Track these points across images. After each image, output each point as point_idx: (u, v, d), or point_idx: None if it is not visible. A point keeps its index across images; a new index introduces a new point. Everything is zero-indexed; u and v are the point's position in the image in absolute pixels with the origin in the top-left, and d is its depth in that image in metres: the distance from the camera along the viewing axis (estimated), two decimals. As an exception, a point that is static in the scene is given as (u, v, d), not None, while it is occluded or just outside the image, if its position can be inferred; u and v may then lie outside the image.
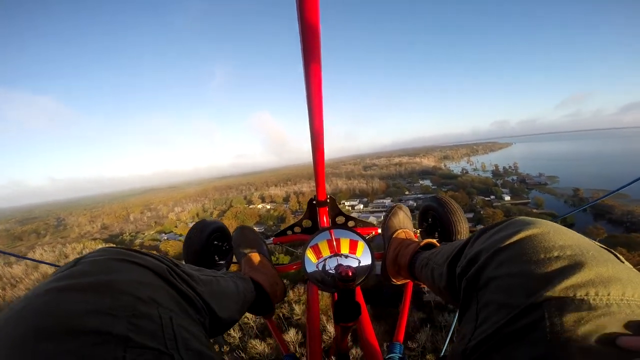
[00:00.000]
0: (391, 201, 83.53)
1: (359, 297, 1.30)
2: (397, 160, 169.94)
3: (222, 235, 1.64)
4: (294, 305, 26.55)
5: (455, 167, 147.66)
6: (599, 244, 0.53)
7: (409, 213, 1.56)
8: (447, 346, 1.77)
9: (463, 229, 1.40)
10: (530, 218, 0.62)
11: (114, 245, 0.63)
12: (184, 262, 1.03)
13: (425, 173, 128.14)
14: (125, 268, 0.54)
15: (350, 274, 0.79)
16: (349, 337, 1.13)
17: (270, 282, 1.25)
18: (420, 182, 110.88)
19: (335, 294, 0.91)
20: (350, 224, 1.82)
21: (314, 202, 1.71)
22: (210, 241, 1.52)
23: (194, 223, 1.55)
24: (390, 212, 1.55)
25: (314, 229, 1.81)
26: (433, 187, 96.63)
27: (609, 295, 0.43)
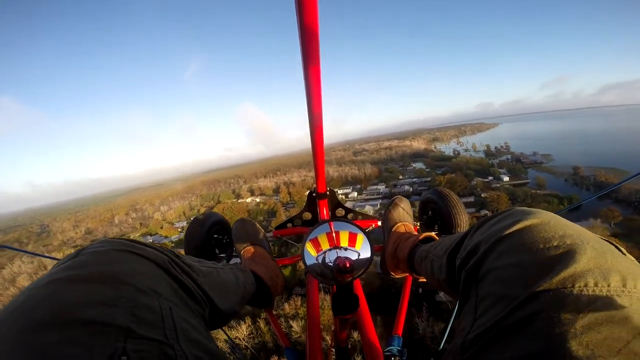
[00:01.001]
0: (385, 187, 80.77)
1: (358, 289, 1.33)
2: (386, 144, 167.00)
3: (222, 228, 1.65)
4: (291, 321, 22.87)
5: (446, 148, 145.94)
6: (599, 236, 0.52)
7: (409, 206, 1.58)
8: (445, 339, 1.74)
9: (463, 222, 1.43)
10: (530, 208, 0.61)
11: (116, 237, 0.63)
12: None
13: (417, 156, 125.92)
14: (127, 259, 0.55)
15: (348, 265, 0.80)
16: (348, 330, 1.16)
17: (270, 274, 1.27)
18: (413, 165, 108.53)
19: (334, 287, 0.93)
20: (350, 216, 1.84)
21: (314, 194, 1.72)
22: (210, 234, 1.54)
23: (192, 218, 1.56)
24: (390, 205, 1.56)
25: (314, 222, 1.82)
26: (427, 169, 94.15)
27: (609, 286, 0.42)
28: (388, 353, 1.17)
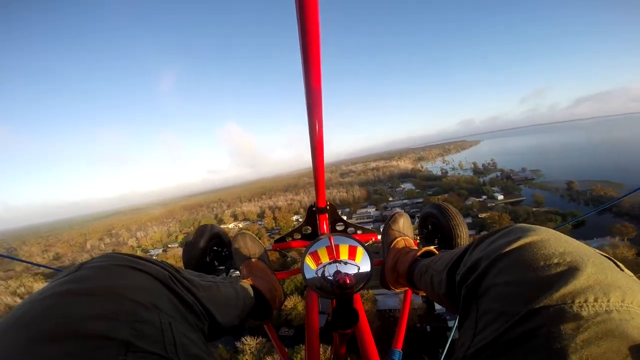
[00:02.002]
0: (376, 210, 76.91)
1: (358, 304, 1.34)
2: (373, 164, 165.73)
3: (221, 241, 1.66)
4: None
5: (433, 167, 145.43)
6: (599, 251, 0.53)
7: (409, 220, 1.60)
8: (445, 354, 1.76)
9: (463, 233, 1.45)
10: (530, 225, 0.61)
11: (117, 252, 0.64)
12: (184, 268, 1.05)
13: (405, 176, 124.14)
14: (128, 274, 0.55)
15: (348, 281, 0.79)
16: (346, 344, 1.17)
17: (269, 288, 1.28)
18: (402, 185, 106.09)
19: (334, 301, 0.93)
20: (350, 230, 1.87)
21: (314, 208, 1.74)
22: (209, 247, 1.54)
23: (195, 228, 1.58)
24: (390, 219, 1.58)
25: (314, 236, 1.85)
26: (417, 190, 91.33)
27: (608, 301, 0.43)
28: None
